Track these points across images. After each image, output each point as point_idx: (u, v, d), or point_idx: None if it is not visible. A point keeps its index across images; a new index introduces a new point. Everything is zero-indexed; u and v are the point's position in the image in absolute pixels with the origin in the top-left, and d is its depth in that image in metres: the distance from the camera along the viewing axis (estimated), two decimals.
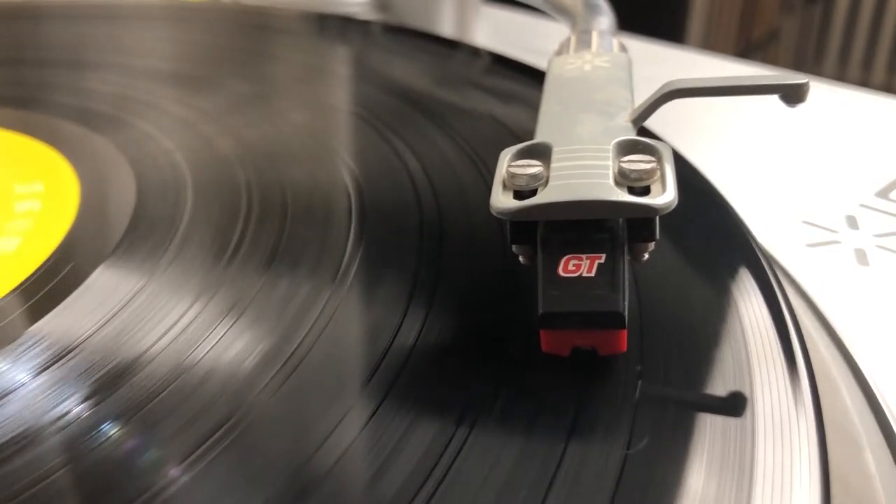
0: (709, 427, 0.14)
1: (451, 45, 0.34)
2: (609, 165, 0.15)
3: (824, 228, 0.26)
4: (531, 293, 0.15)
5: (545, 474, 0.13)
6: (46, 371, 0.16)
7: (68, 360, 0.16)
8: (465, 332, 0.17)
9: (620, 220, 0.15)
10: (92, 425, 0.15)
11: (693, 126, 0.32)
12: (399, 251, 0.19)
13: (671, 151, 0.16)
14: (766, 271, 0.18)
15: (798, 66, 1.05)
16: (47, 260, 0.20)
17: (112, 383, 0.16)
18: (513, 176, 0.16)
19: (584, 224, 0.15)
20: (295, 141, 0.25)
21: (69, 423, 0.15)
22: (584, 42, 0.22)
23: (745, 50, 1.03)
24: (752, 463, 0.14)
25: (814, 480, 0.13)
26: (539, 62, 0.26)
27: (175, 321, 0.17)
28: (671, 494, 0.13)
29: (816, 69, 1.04)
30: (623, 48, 0.23)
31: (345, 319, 0.17)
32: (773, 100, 0.17)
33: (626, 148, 0.16)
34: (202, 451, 0.14)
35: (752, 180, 0.29)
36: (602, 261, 0.15)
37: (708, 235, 0.20)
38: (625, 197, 0.15)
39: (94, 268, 0.19)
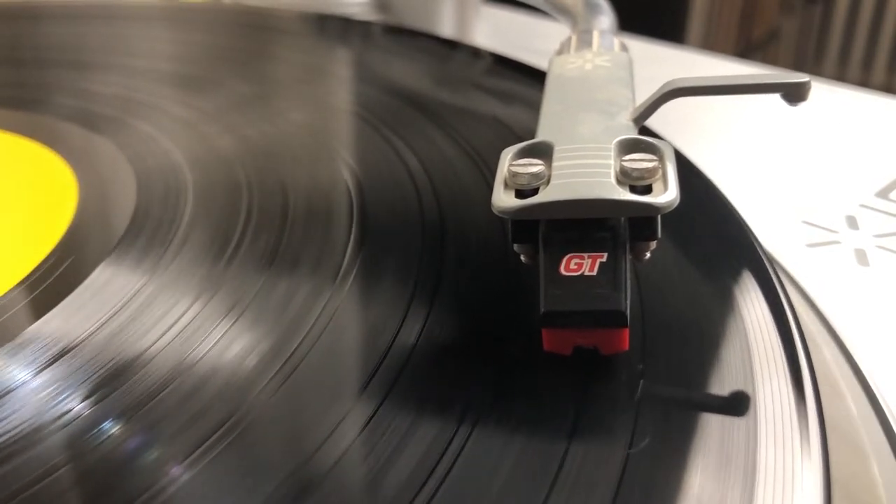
0: (711, 427, 0.14)
1: (452, 45, 0.34)
2: (611, 164, 0.15)
3: (824, 228, 0.26)
4: (532, 292, 0.15)
5: (547, 474, 0.13)
6: (47, 369, 0.16)
7: (69, 359, 0.16)
8: (466, 332, 0.17)
9: (622, 218, 0.15)
10: (92, 424, 0.15)
11: (693, 126, 0.32)
12: (400, 251, 0.19)
13: (672, 150, 0.16)
14: (767, 270, 0.18)
15: (798, 66, 1.05)
16: (48, 259, 0.20)
17: (112, 382, 0.16)
18: (514, 175, 0.16)
19: (586, 223, 0.15)
20: (295, 141, 0.25)
21: (70, 422, 0.15)
22: (584, 41, 0.22)
23: (745, 50, 1.03)
24: (754, 463, 0.14)
25: (816, 480, 0.13)
26: (539, 62, 0.26)
27: (175, 320, 0.17)
28: (673, 494, 0.13)
29: (816, 69, 1.04)
30: (624, 47, 0.23)
31: (345, 319, 0.17)
32: (774, 99, 0.17)
33: (628, 147, 0.16)
34: (202, 451, 0.14)
35: (753, 180, 0.29)
36: (604, 260, 0.15)
37: (709, 234, 0.20)
38: (626, 196, 0.15)
39: (95, 267, 0.19)
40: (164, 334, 0.17)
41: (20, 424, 0.15)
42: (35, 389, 0.15)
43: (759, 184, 0.29)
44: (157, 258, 0.19)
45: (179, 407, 0.15)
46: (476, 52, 0.33)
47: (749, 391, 0.15)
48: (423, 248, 0.20)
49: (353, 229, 0.20)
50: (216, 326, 0.17)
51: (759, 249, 0.19)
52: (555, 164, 0.16)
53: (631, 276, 0.15)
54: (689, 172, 0.22)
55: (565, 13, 0.27)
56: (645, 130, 0.18)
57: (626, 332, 0.15)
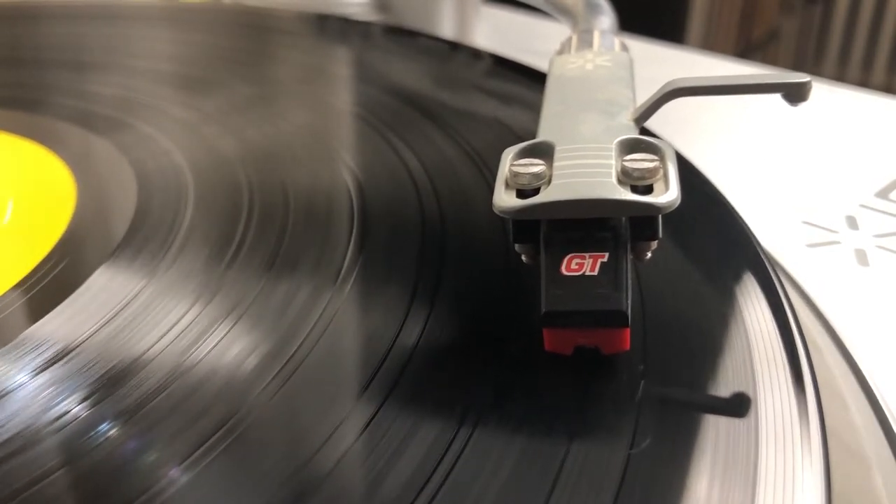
0: (712, 427, 0.14)
1: (452, 45, 0.34)
2: (612, 164, 0.15)
3: (824, 229, 0.26)
4: (533, 292, 0.15)
5: (548, 474, 0.13)
6: (46, 371, 0.16)
7: (68, 361, 0.16)
8: (467, 333, 0.17)
9: (623, 218, 0.15)
10: (91, 425, 0.15)
11: (693, 126, 0.32)
12: (400, 252, 0.19)
13: (673, 150, 0.16)
14: (768, 271, 0.18)
15: (798, 66, 1.05)
16: (47, 260, 0.20)
17: (111, 384, 0.16)
18: (515, 175, 0.16)
19: (587, 223, 0.15)
20: (296, 142, 0.25)
21: (68, 424, 0.15)
22: (585, 41, 0.22)
23: (745, 50, 1.03)
24: (755, 463, 0.14)
25: (816, 480, 0.13)
26: (539, 63, 0.26)
27: (175, 322, 0.17)
28: (674, 495, 0.13)
29: (816, 69, 1.04)
30: (624, 47, 0.23)
31: (346, 320, 0.17)
32: (773, 100, 0.17)
33: (629, 147, 0.16)
34: (201, 453, 0.14)
35: (753, 180, 0.29)
36: (605, 259, 0.15)
37: (710, 235, 0.20)
38: (628, 195, 0.15)
39: (95, 268, 0.19)
40: (163, 336, 0.17)
41: (18, 426, 0.15)
42: (33, 391, 0.15)
43: (759, 184, 0.29)
44: (158, 259, 0.19)
45: (178, 409, 0.15)
46: (476, 53, 0.33)
47: (749, 392, 0.15)
48: (424, 248, 0.19)
49: (354, 230, 0.20)
50: (216, 328, 0.17)
51: (759, 250, 0.19)
52: (556, 164, 0.16)
53: (632, 277, 0.15)
54: (688, 173, 0.22)
55: (566, 13, 0.27)
56: (644, 131, 0.18)
57: (628, 332, 0.15)
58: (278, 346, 0.16)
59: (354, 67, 0.33)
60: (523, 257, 0.16)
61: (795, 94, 0.17)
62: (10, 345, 0.17)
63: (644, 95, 0.18)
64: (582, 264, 0.15)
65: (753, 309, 0.17)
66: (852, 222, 0.27)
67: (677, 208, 0.15)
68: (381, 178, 0.23)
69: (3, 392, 0.15)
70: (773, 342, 0.16)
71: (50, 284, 0.19)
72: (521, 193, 0.15)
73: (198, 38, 0.35)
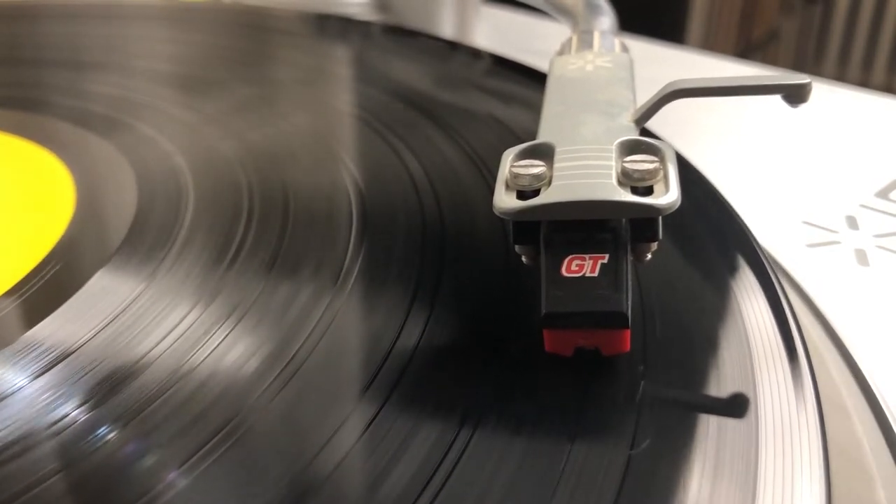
0: (712, 428, 0.14)
1: (452, 45, 0.34)
2: (612, 165, 0.15)
3: (824, 229, 0.26)
4: (533, 294, 0.15)
5: (549, 475, 0.13)
6: (44, 375, 0.16)
7: (67, 364, 0.16)
8: (467, 334, 0.17)
9: (623, 220, 0.15)
10: (90, 429, 0.15)
11: (693, 127, 0.32)
12: (401, 253, 0.19)
13: (674, 151, 0.16)
14: (768, 272, 0.18)
15: (798, 66, 1.05)
16: (46, 263, 0.20)
17: (111, 387, 0.15)
18: (515, 176, 0.16)
19: (588, 224, 0.15)
20: (296, 142, 0.25)
21: (66, 427, 0.15)
22: (585, 42, 0.22)
23: (745, 50, 1.03)
24: (755, 463, 0.14)
25: (816, 480, 0.13)
26: (540, 63, 0.26)
27: (175, 324, 0.17)
28: (675, 495, 0.13)
29: (816, 69, 1.04)
30: (625, 48, 0.23)
31: (346, 322, 0.17)
32: (773, 100, 0.17)
33: (629, 148, 0.16)
34: (201, 456, 0.14)
35: (753, 181, 0.29)
36: (605, 261, 0.15)
37: (709, 236, 0.20)
38: (628, 197, 0.15)
39: (95, 271, 0.19)
40: (163, 338, 0.17)
41: (17, 429, 0.15)
42: (32, 394, 0.15)
43: (759, 184, 0.29)
44: (158, 261, 0.19)
45: (178, 411, 0.15)
46: (476, 53, 0.33)
47: (749, 392, 0.15)
48: (424, 249, 0.19)
49: (354, 231, 0.20)
50: (217, 330, 0.17)
51: (758, 250, 0.19)
52: (556, 165, 0.16)
53: (632, 278, 0.15)
54: (688, 174, 0.22)
55: (566, 14, 0.27)
56: (645, 132, 0.18)
57: (628, 333, 0.15)
58: (279, 348, 0.16)
59: (354, 67, 0.33)
60: (523, 258, 0.16)
61: (795, 96, 0.17)
62: (8, 348, 0.17)
63: (644, 96, 0.18)
64: (582, 265, 0.15)
65: (753, 310, 0.17)
66: (852, 222, 0.27)
67: (677, 209, 0.15)
68: (381, 178, 0.23)
69: (2, 395, 0.15)
70: (773, 343, 0.16)
71: (49, 287, 0.19)
72: (522, 195, 0.15)
73: (198, 38, 0.35)
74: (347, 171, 0.23)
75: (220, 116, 0.27)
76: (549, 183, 0.15)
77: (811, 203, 0.28)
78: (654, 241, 0.16)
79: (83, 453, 0.14)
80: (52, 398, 0.15)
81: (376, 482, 0.13)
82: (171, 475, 0.14)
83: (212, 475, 0.14)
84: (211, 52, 0.33)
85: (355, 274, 0.19)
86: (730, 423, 0.14)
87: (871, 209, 0.27)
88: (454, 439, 0.14)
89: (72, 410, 0.15)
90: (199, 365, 0.16)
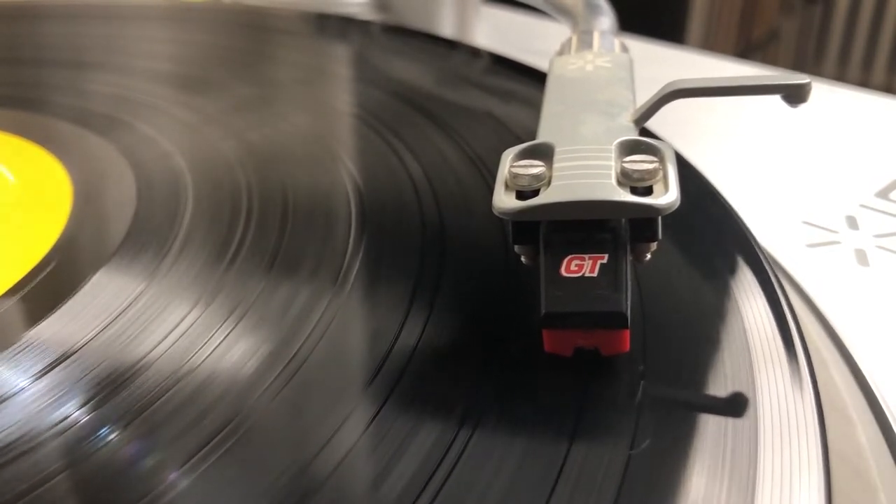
0: (711, 427, 0.14)
1: (452, 45, 0.34)
2: (611, 166, 0.15)
3: (824, 229, 0.26)
4: (533, 293, 0.15)
5: (548, 475, 0.13)
6: (46, 375, 0.16)
7: (68, 364, 0.16)
8: (466, 334, 0.17)
9: (623, 220, 0.15)
10: (92, 429, 0.15)
11: (693, 127, 0.32)
12: (400, 253, 0.19)
13: (673, 152, 0.16)
14: (767, 272, 0.18)
15: (798, 66, 1.05)
16: (45, 263, 0.20)
17: (112, 387, 0.15)
18: (515, 176, 0.16)
19: (587, 224, 0.15)
20: (295, 143, 0.25)
21: (69, 428, 0.15)
22: (585, 42, 0.22)
23: (745, 50, 1.03)
24: (755, 463, 0.14)
25: (816, 479, 0.13)
26: (539, 63, 0.26)
27: (175, 324, 0.17)
28: (674, 495, 0.13)
29: (816, 69, 1.04)
30: (624, 48, 0.23)
31: (346, 322, 0.17)
32: (773, 100, 0.17)
33: (629, 148, 0.16)
34: (202, 455, 0.14)
35: (753, 181, 0.29)
36: (604, 261, 0.15)
37: (709, 236, 0.20)
38: (627, 197, 0.15)
39: (95, 271, 0.19)
40: (164, 338, 0.17)
41: (19, 430, 0.15)
42: (34, 395, 0.15)
43: (759, 184, 0.29)
44: (158, 261, 0.19)
45: (180, 412, 0.15)
46: (476, 53, 0.33)
47: (749, 392, 0.15)
48: (423, 249, 0.20)
49: (353, 231, 0.20)
50: (217, 330, 0.17)
51: (758, 250, 0.19)
52: (556, 165, 0.16)
53: (631, 278, 0.15)
54: (688, 173, 0.22)
55: (565, 14, 0.27)
56: (644, 132, 0.18)
57: (627, 333, 0.15)
58: (279, 347, 0.16)
59: (354, 67, 0.33)
60: (523, 258, 0.16)
61: (795, 96, 0.17)
62: (9, 349, 0.17)
63: (644, 96, 0.18)
64: (581, 265, 0.15)
65: (753, 310, 0.17)
66: (852, 222, 0.27)
67: (677, 209, 0.15)
68: (380, 178, 0.23)
69: (3, 396, 0.15)
70: (773, 343, 0.16)
71: (48, 287, 0.19)
72: (521, 195, 0.15)
73: (198, 38, 0.35)
74: (347, 171, 0.23)
75: (219, 116, 0.27)
76: (549, 183, 0.15)
77: (811, 203, 0.28)
78: (654, 242, 0.16)
79: (85, 454, 0.14)
80: (54, 398, 0.15)
81: (376, 482, 0.13)
82: (173, 475, 0.14)
83: (213, 475, 0.14)
84: (211, 52, 0.33)
85: (355, 273, 0.19)
86: (729, 422, 0.14)
87: (871, 209, 0.27)
88: (454, 439, 0.14)
89: (73, 411, 0.15)
90: (199, 365, 0.16)
